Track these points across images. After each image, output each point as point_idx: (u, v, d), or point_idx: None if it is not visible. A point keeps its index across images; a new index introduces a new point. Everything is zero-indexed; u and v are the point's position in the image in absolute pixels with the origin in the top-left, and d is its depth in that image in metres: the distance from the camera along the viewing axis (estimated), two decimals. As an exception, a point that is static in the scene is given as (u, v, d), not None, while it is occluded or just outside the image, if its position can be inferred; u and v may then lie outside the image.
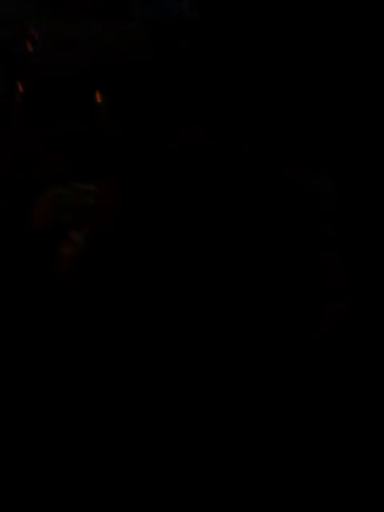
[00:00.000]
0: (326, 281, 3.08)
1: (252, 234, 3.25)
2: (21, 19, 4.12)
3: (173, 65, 3.91)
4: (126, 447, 2.63)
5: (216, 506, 2.50)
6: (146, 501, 2.51)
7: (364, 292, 3.05)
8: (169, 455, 2.61)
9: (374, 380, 2.78)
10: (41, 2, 4.21)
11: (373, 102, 3.59)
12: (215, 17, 3.77)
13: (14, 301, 3.05)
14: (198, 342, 2.93)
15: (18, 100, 4.01)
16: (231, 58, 3.80)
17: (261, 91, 3.74)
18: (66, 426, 2.67)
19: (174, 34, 3.89)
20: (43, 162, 3.64)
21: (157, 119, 3.86)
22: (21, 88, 4.02)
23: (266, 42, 3.72)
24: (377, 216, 3.25)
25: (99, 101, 3.98)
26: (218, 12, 3.75)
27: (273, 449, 2.61)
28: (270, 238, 3.24)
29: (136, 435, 2.66)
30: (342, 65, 3.64)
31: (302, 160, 3.48)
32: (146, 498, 2.52)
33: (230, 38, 3.77)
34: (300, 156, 3.50)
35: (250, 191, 3.39)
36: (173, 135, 3.72)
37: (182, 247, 3.24)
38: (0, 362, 2.85)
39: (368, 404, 2.71)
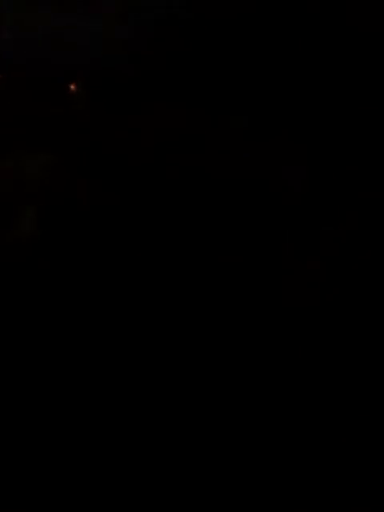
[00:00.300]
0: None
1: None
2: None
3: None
4: (125, 447, 2.60)
5: (216, 506, 2.49)
6: (146, 501, 2.49)
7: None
8: (169, 455, 2.59)
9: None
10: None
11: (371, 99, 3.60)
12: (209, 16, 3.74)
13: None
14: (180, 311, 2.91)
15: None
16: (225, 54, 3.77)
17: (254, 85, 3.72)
18: (64, 425, 2.63)
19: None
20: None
21: (134, 104, 3.80)
22: None
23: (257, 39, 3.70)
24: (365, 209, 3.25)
25: (76, 87, 3.92)
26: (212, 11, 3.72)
27: (273, 448, 2.61)
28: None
29: (135, 434, 2.63)
30: (339, 59, 3.64)
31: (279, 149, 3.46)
32: (146, 497, 2.49)
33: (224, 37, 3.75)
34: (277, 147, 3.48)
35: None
36: (148, 121, 3.68)
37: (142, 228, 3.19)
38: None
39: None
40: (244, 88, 3.63)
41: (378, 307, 2.94)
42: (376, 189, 3.28)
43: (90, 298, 2.98)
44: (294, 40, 3.67)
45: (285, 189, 3.31)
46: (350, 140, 3.49)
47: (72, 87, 3.94)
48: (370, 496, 2.53)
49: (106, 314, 2.94)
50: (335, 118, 3.58)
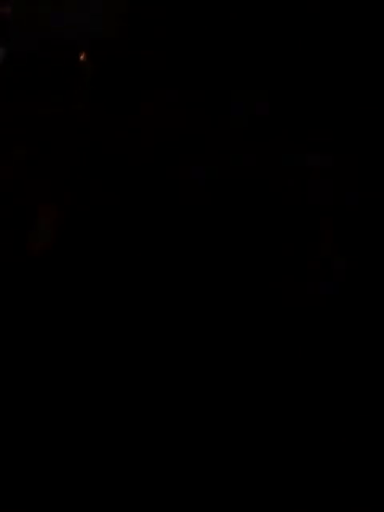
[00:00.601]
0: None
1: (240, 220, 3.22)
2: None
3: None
4: (125, 446, 2.60)
5: (216, 506, 2.48)
6: (146, 501, 2.48)
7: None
8: (169, 454, 2.58)
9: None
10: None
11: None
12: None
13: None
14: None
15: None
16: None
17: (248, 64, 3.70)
18: (64, 424, 2.63)
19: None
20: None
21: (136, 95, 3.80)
22: None
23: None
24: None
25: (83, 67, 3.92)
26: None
27: (273, 448, 2.60)
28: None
29: (135, 433, 2.63)
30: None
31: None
32: (146, 497, 2.49)
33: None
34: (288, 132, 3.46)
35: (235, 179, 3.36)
36: (148, 117, 3.67)
37: (162, 226, 3.19)
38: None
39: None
40: (245, 85, 3.62)
41: (379, 306, 2.94)
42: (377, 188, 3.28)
43: (88, 298, 2.98)
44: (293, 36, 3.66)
45: (284, 188, 3.31)
46: (351, 136, 3.49)
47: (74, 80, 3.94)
48: (370, 496, 2.53)
49: (104, 314, 2.94)
50: (337, 116, 3.57)
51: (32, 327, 2.87)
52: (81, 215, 3.23)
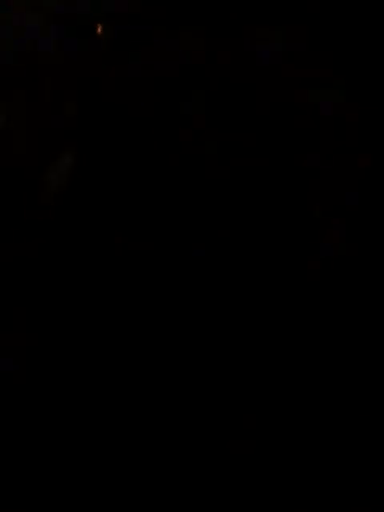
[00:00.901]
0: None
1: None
2: None
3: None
4: (125, 446, 2.62)
5: (216, 506, 2.52)
6: (146, 501, 2.52)
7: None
8: (169, 454, 2.61)
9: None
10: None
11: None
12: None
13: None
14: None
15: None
16: None
17: None
18: (64, 424, 2.66)
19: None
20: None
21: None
22: None
23: None
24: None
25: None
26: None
27: (273, 447, 2.61)
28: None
29: (135, 433, 2.65)
30: None
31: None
32: (146, 497, 2.53)
33: None
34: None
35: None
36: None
37: (177, 175, 3.09)
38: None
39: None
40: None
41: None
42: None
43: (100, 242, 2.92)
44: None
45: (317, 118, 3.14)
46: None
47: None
48: (370, 496, 2.54)
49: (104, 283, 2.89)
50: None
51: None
52: (92, 160, 3.11)
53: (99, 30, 3.92)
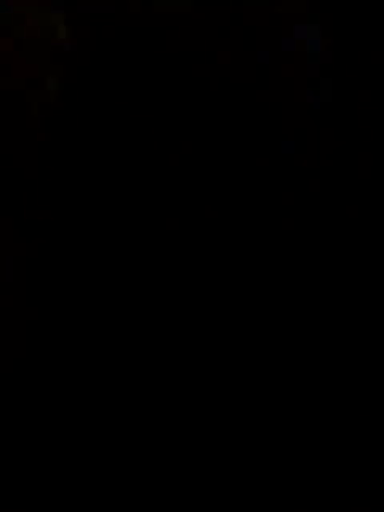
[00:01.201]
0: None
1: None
2: None
3: None
4: (125, 446, 2.62)
5: (216, 506, 2.51)
6: (146, 501, 2.52)
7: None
8: (168, 453, 2.61)
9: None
10: None
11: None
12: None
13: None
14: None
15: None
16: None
17: None
18: (63, 424, 2.66)
19: None
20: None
21: None
22: None
23: None
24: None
25: None
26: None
27: (273, 447, 2.61)
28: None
29: (135, 432, 2.65)
30: None
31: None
32: (146, 497, 2.53)
33: None
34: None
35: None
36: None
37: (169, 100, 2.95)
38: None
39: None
40: None
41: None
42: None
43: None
44: None
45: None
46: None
47: None
48: (370, 496, 2.53)
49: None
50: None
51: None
52: (79, 85, 2.95)
53: None
